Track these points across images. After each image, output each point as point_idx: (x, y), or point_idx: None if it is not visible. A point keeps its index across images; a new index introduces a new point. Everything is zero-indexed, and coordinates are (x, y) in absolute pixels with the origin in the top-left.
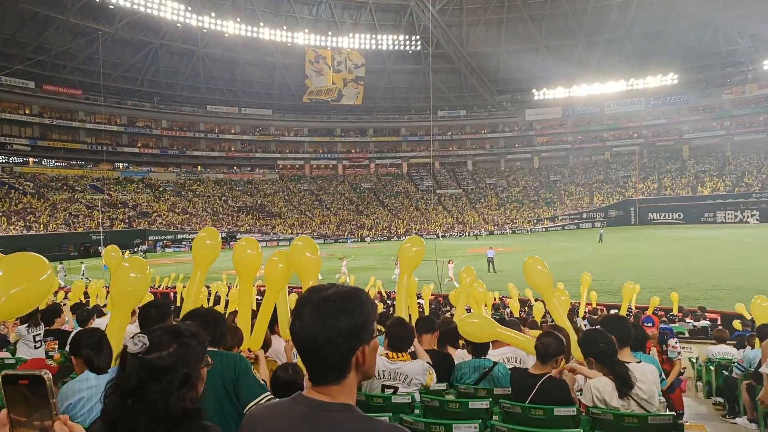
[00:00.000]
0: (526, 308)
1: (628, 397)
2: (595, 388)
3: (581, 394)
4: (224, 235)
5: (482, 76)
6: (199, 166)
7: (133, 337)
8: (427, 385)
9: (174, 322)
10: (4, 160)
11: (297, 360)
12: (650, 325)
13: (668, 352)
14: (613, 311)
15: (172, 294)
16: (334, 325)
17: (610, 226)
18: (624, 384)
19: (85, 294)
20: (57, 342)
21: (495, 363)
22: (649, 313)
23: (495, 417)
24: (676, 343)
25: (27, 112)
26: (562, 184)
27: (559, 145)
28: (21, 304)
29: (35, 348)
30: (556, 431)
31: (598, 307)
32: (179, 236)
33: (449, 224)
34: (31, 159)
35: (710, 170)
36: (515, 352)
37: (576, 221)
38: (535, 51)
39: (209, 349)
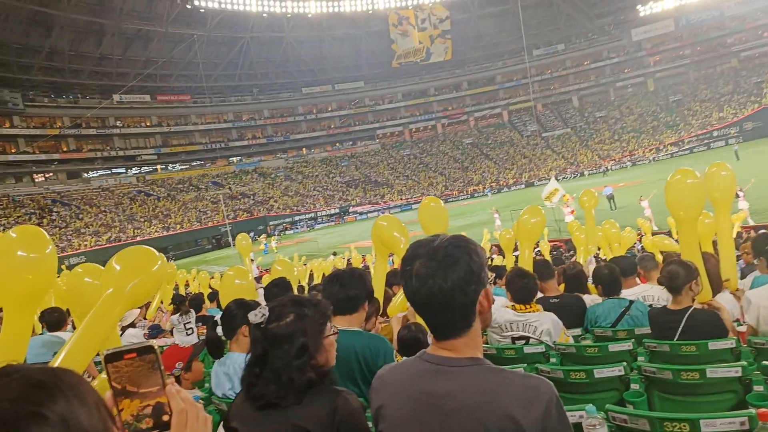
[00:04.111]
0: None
1: None
2: (762, 304)
3: (738, 325)
4: (337, 210)
5: (576, 0)
6: (303, 149)
7: (255, 310)
8: (563, 342)
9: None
10: (137, 171)
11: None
12: None
13: None
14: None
15: (295, 272)
16: (455, 270)
17: (746, 141)
18: None
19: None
20: (206, 327)
21: (632, 301)
22: None
23: (640, 358)
24: None
25: (148, 124)
26: (684, 103)
27: (675, 62)
28: (140, 295)
29: (187, 335)
30: (713, 367)
31: (741, 230)
32: (296, 218)
33: (560, 167)
34: (158, 166)
35: None
36: (651, 289)
37: (706, 141)
38: None
39: (357, 329)
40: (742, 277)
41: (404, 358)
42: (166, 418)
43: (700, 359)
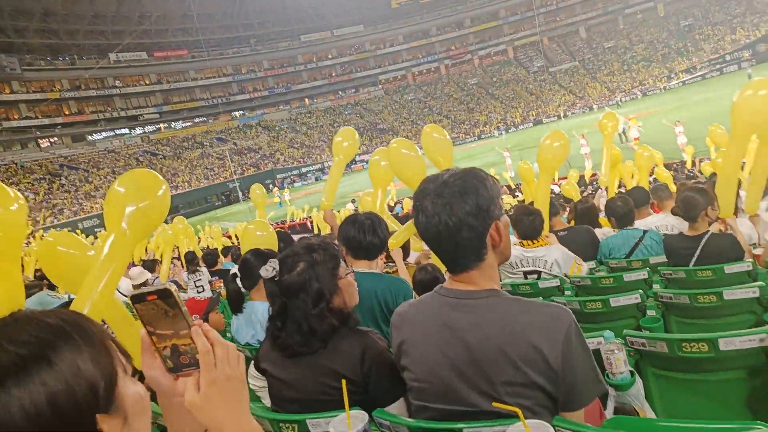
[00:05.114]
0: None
1: None
2: None
3: (754, 248)
4: None
5: None
6: (306, 99)
7: (265, 264)
8: (576, 275)
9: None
10: (141, 131)
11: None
12: None
13: None
14: None
15: (308, 223)
16: (461, 206)
17: (759, 63)
18: None
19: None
20: (221, 280)
21: (645, 231)
22: None
23: (656, 286)
24: None
25: (147, 82)
26: (696, 27)
27: None
28: (148, 224)
29: (198, 293)
30: (730, 289)
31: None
32: (303, 170)
33: (569, 102)
34: (162, 125)
35: None
36: (666, 219)
37: (718, 66)
38: None
39: (377, 272)
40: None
41: None
42: (184, 359)
43: (716, 283)
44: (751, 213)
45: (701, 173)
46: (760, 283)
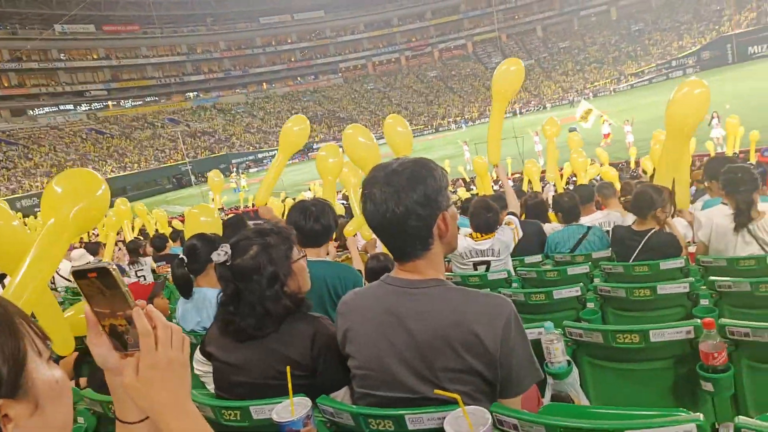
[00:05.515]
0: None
1: (750, 235)
2: (714, 221)
3: (690, 245)
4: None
5: None
6: (264, 84)
7: (217, 249)
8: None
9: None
10: (87, 108)
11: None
12: None
13: None
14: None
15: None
16: (409, 194)
17: (704, 69)
18: (742, 214)
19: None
20: (168, 265)
21: (589, 227)
22: (751, 150)
23: (596, 280)
24: None
25: (95, 57)
26: (646, 32)
27: None
28: (84, 223)
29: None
30: (663, 284)
31: (695, 158)
32: (260, 155)
33: (525, 99)
34: (110, 102)
35: None
36: (608, 215)
37: (665, 72)
38: None
39: (326, 260)
40: (692, 201)
41: None
42: (129, 339)
43: (651, 278)
44: (684, 207)
45: (644, 173)
46: (690, 279)
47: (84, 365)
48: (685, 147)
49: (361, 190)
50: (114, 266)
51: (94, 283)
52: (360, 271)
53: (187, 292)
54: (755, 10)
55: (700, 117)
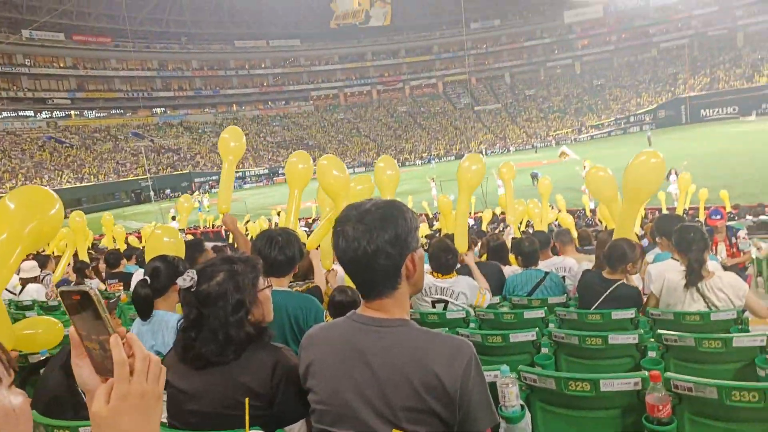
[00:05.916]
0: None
1: (698, 293)
2: (666, 275)
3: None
4: (266, 171)
5: None
6: (234, 105)
7: (183, 274)
8: (478, 305)
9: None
10: (48, 115)
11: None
12: (718, 217)
13: (739, 244)
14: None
15: (223, 231)
16: (380, 233)
17: (659, 127)
18: (693, 273)
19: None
20: (122, 283)
21: (547, 273)
22: (700, 208)
23: (551, 325)
24: (745, 234)
25: (61, 65)
26: (607, 88)
27: (601, 47)
28: (36, 240)
29: None
30: (614, 333)
31: (647, 210)
32: None
33: (490, 141)
34: (72, 112)
35: None
36: (564, 261)
37: (623, 126)
38: None
39: (288, 290)
40: (643, 254)
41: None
42: (108, 364)
43: (603, 327)
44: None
45: (600, 222)
46: (639, 330)
47: (27, 386)
48: (639, 210)
49: (333, 227)
50: (95, 291)
51: (77, 306)
52: (320, 288)
53: (146, 313)
54: (709, 75)
55: (653, 190)
